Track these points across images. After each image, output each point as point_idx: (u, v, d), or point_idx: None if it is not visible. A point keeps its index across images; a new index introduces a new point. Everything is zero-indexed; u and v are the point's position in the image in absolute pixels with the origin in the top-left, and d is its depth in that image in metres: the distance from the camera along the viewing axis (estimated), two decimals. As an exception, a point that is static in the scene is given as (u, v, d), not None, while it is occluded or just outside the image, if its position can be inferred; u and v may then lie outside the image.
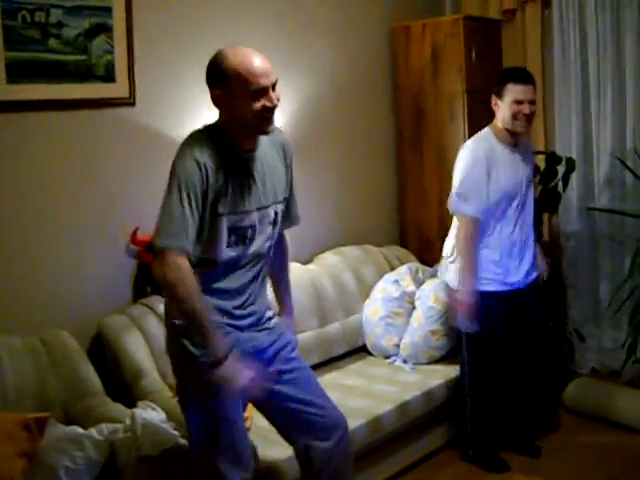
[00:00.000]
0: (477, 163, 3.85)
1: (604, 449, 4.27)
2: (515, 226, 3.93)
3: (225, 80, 2.58)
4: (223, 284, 2.72)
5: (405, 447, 4.06)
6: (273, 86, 2.62)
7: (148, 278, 3.89)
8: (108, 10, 3.72)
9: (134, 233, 3.86)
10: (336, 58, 4.96)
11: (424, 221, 5.32)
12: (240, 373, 2.57)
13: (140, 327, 3.70)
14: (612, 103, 5.01)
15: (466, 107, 5.01)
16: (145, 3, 3.89)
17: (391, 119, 5.44)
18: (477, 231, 3.85)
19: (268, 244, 2.81)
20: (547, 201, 4.86)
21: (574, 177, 5.00)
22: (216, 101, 2.66)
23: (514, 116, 3.84)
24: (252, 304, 2.81)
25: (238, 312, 2.77)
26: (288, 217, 2.95)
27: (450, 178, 3.94)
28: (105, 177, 3.82)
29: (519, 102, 3.82)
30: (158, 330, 3.72)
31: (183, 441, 3.06)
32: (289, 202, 2.93)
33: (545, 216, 5.09)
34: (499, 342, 3.97)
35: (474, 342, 3.96)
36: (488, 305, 3.87)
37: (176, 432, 3.07)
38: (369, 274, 4.81)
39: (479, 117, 4.96)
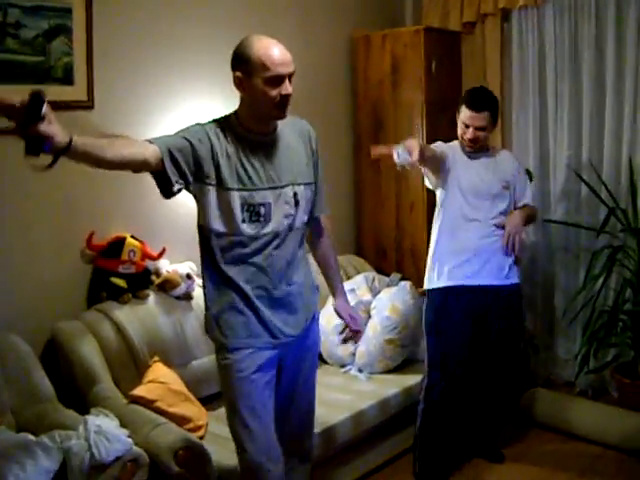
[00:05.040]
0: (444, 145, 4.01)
1: (558, 458, 4.31)
2: (477, 227, 3.95)
3: (247, 64, 2.74)
4: (253, 261, 2.86)
5: (360, 456, 4.06)
6: (290, 76, 2.82)
7: (103, 283, 3.86)
8: (68, 11, 3.69)
9: (90, 238, 3.82)
10: (296, 67, 4.94)
11: (381, 231, 5.34)
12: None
13: (95, 333, 3.67)
14: (569, 116, 5.07)
15: (425, 118, 5.03)
16: (106, 5, 3.85)
17: (350, 129, 5.46)
18: None
19: (287, 222, 2.91)
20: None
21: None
22: (237, 84, 2.80)
23: (461, 135, 3.96)
24: (288, 284, 2.96)
25: (275, 292, 2.92)
26: (313, 206, 3.09)
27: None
28: (61, 181, 3.76)
29: (466, 125, 3.91)
30: (113, 336, 3.70)
31: (137, 449, 3.03)
32: (315, 192, 3.08)
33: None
34: (462, 341, 3.97)
35: (438, 347, 3.96)
36: (450, 300, 3.92)
37: (130, 439, 3.04)
38: (325, 283, 4.79)
39: (438, 128, 5.00)
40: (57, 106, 3.65)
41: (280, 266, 2.91)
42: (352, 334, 3.31)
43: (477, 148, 3.97)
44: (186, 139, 2.73)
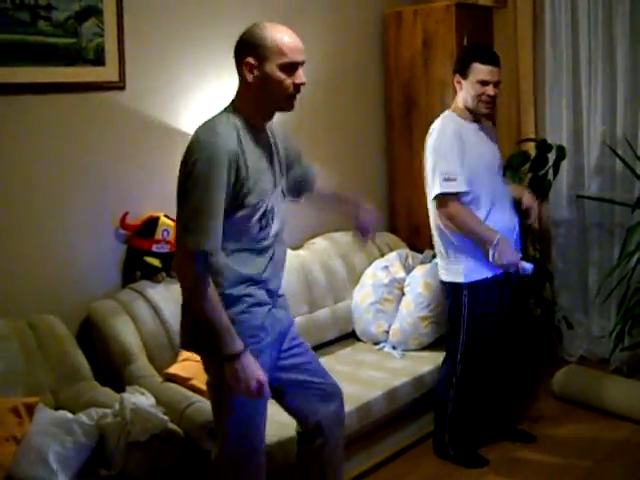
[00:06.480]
0: (450, 141, 3.79)
1: (592, 436, 4.29)
2: (502, 203, 3.91)
3: (261, 49, 2.60)
4: (255, 267, 2.71)
5: (394, 433, 4.08)
6: (302, 65, 2.68)
7: (138, 263, 3.88)
8: (99, -7, 3.70)
9: (123, 218, 3.85)
10: (327, 45, 4.93)
11: (414, 208, 5.31)
12: (253, 374, 2.59)
13: (129, 312, 3.70)
14: (603, 90, 5.01)
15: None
16: (136, -14, 3.86)
17: (382, 106, 5.44)
18: (461, 205, 3.79)
19: (285, 218, 2.83)
20: (537, 189, 4.86)
21: (564, 165, 5.01)
22: (247, 71, 2.64)
23: (478, 97, 3.79)
24: (278, 285, 2.86)
25: (275, 296, 2.82)
26: (307, 174, 3.06)
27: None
28: (94, 161, 3.80)
29: (484, 83, 3.76)
30: (147, 315, 3.73)
31: (172, 426, 3.07)
32: (298, 164, 3.02)
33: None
34: (493, 327, 3.96)
35: (473, 329, 3.91)
36: (487, 291, 3.88)
37: (165, 417, 3.07)
38: (359, 260, 4.82)
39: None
40: (89, 87, 3.74)
41: (279, 269, 2.84)
42: (362, 233, 3.14)
43: (492, 110, 3.90)
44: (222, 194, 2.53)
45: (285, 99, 2.66)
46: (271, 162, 2.76)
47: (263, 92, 2.64)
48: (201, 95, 4.18)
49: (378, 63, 5.39)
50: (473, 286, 3.87)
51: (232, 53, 4.05)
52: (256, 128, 2.70)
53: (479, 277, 3.86)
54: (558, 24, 5.14)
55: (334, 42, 4.98)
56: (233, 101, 2.73)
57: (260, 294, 2.73)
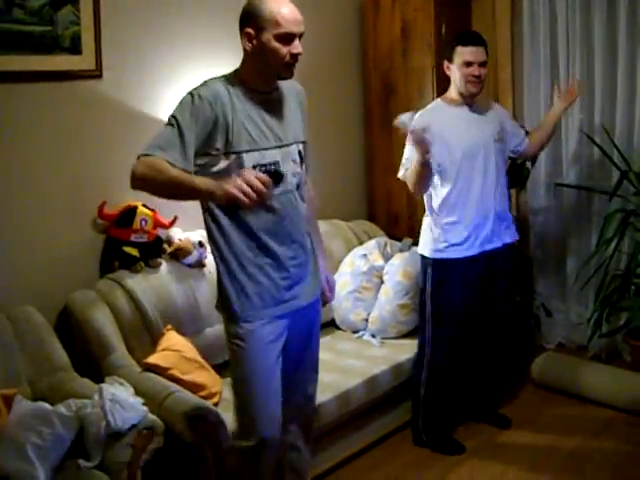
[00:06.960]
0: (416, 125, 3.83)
1: (569, 422, 4.32)
2: (482, 185, 3.92)
3: (259, 20, 2.74)
4: (261, 224, 2.82)
5: (373, 421, 4.09)
6: (300, 36, 2.82)
7: (116, 253, 3.86)
8: (75, -20, 3.66)
9: (101, 207, 3.83)
10: (305, 32, 4.90)
11: (392, 196, 5.32)
12: (240, 179, 2.50)
13: (108, 302, 3.68)
14: (580, 79, 5.00)
15: (435, 83, 5.00)
16: (112, -26, 3.83)
17: (360, 94, 5.43)
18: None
19: (295, 181, 2.91)
20: (515, 177, 4.88)
21: (542, 153, 5.03)
22: (247, 40, 2.78)
23: (465, 78, 3.86)
24: (297, 249, 2.95)
25: (286, 259, 2.90)
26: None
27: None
28: (71, 150, 3.77)
29: (469, 64, 3.84)
30: (126, 305, 3.71)
31: (152, 416, 3.06)
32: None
33: (513, 192, 5.11)
34: (462, 311, 3.98)
35: (439, 316, 3.96)
36: (453, 272, 3.91)
37: (145, 407, 3.06)
38: (337, 249, 4.81)
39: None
40: (65, 76, 3.71)
41: (289, 230, 2.89)
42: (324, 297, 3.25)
43: (480, 89, 3.93)
44: (194, 120, 2.67)
45: (282, 67, 2.80)
46: (275, 121, 2.86)
47: (261, 60, 2.78)
48: (179, 85, 4.15)
49: (356, 51, 5.38)
50: (440, 263, 3.92)
51: (211, 44, 4.06)
52: (259, 90, 2.84)
53: (447, 256, 3.91)
54: (536, 13, 5.15)
55: (311, 30, 4.87)
56: (239, 67, 2.87)
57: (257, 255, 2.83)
